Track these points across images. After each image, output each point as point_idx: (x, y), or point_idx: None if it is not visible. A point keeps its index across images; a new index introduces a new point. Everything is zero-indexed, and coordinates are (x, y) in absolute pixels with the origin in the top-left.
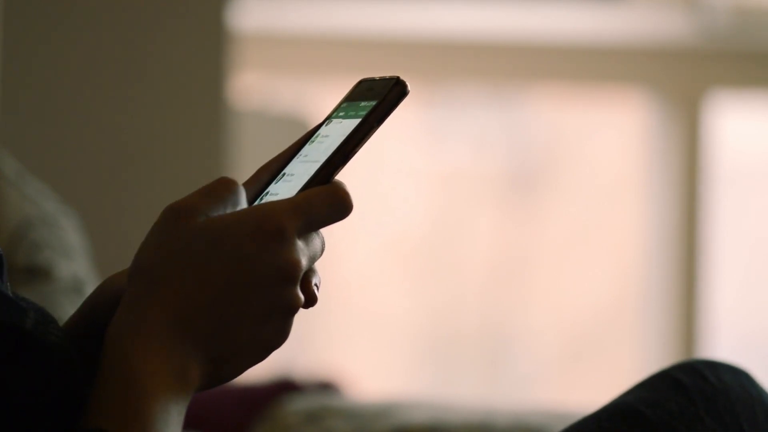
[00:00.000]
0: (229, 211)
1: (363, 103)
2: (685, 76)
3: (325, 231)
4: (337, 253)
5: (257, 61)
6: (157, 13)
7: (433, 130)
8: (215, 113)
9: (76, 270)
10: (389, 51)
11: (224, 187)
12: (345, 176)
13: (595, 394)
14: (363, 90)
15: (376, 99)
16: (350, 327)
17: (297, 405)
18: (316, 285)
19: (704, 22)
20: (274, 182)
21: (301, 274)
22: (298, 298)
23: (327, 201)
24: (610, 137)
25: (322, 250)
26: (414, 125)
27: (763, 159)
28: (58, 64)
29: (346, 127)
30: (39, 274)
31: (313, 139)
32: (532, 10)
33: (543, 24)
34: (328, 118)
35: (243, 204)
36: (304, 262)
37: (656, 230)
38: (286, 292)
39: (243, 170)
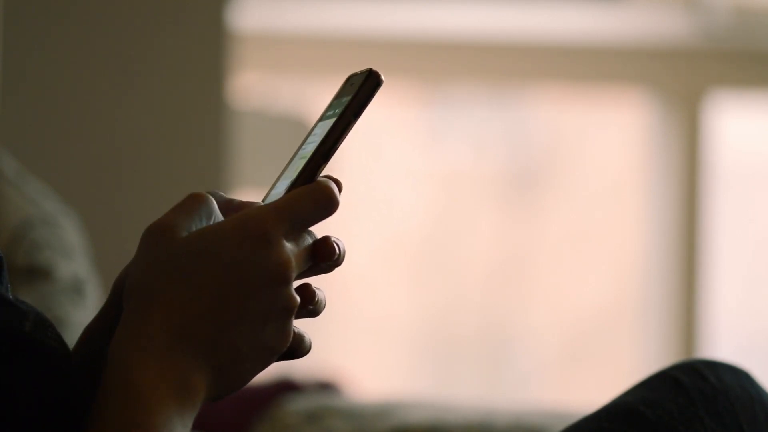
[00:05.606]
0: (204, 222)
1: (344, 99)
2: (685, 76)
3: (325, 231)
4: None
5: (257, 61)
6: (157, 13)
7: (433, 130)
8: (215, 113)
9: (76, 270)
10: (389, 51)
11: (195, 200)
12: (344, 177)
13: (595, 394)
14: (347, 86)
15: (352, 94)
16: (350, 327)
17: (297, 405)
18: (317, 288)
19: (704, 22)
20: (275, 183)
21: (293, 274)
22: (293, 298)
23: (310, 200)
24: (610, 137)
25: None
26: (414, 125)
27: (763, 159)
28: (57, 63)
29: (326, 124)
30: (39, 273)
31: (306, 139)
32: (532, 10)
33: (543, 24)
34: (321, 117)
35: (217, 213)
36: (294, 261)
37: (656, 230)
38: (279, 293)
39: (243, 170)
